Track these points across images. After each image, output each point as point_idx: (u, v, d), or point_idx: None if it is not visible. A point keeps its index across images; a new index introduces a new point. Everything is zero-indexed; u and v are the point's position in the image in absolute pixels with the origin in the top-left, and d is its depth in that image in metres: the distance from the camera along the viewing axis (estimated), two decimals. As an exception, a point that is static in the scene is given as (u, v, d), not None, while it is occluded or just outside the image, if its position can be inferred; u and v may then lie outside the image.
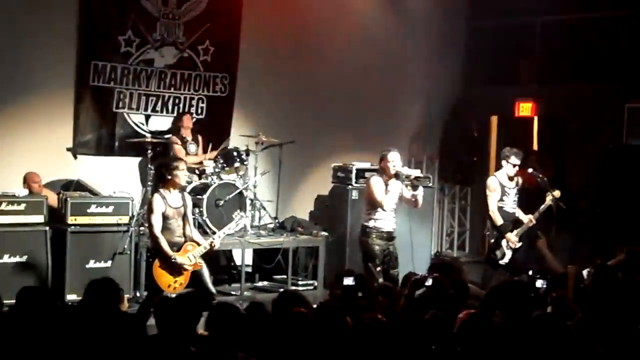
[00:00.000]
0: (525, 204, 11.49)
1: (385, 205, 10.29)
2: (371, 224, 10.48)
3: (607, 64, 14.44)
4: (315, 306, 6.95)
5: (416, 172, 10.54)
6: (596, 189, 14.41)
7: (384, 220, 10.46)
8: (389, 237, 10.54)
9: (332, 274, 12.11)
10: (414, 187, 10.35)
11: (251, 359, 5.72)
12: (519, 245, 11.18)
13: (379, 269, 10.32)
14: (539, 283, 8.08)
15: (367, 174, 12.58)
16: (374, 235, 10.44)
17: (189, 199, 9.87)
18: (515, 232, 11.16)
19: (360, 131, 14.71)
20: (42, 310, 6.23)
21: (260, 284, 12.95)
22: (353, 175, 12.96)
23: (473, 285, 9.61)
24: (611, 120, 14.10)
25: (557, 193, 11.18)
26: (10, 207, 10.65)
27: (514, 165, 11.24)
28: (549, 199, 11.15)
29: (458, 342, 5.72)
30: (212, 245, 9.81)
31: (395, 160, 10.40)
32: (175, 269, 9.54)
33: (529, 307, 7.07)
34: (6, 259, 10.51)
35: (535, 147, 14.98)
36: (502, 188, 11.22)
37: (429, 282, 7.88)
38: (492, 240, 11.37)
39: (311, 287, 12.64)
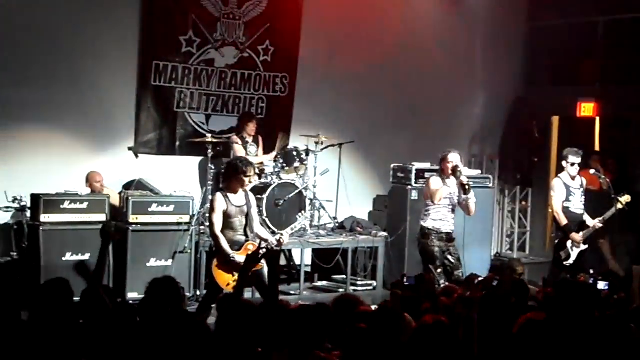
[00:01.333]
0: (592, 206, 11.33)
1: (436, 196, 10.27)
2: (430, 224, 10.46)
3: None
4: (375, 307, 6.94)
5: (476, 172, 10.53)
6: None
7: (443, 221, 10.44)
8: (448, 238, 10.50)
9: (392, 275, 12.19)
10: (465, 192, 10.34)
11: (333, 356, 5.71)
12: (584, 247, 11.04)
13: (439, 270, 10.28)
14: (602, 285, 7.99)
15: (426, 175, 12.52)
16: (433, 237, 10.41)
17: (252, 198, 9.85)
18: (581, 233, 11.03)
19: (420, 131, 14.67)
20: (107, 308, 6.29)
21: (319, 283, 12.95)
22: (413, 176, 12.89)
23: (532, 286, 9.52)
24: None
25: (627, 198, 11.01)
26: (72, 206, 10.79)
27: (573, 164, 11.11)
28: (618, 205, 10.97)
29: (518, 344, 5.66)
30: (280, 241, 9.74)
31: (455, 161, 10.42)
32: (234, 268, 9.50)
33: (592, 309, 6.98)
34: (69, 256, 10.63)
35: (597, 148, 14.81)
36: (567, 189, 11.08)
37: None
38: (557, 241, 11.25)
39: (370, 288, 12.62)
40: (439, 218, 10.44)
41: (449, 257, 10.44)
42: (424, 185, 12.49)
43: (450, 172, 10.39)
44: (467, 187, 10.35)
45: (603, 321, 6.29)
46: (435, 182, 10.46)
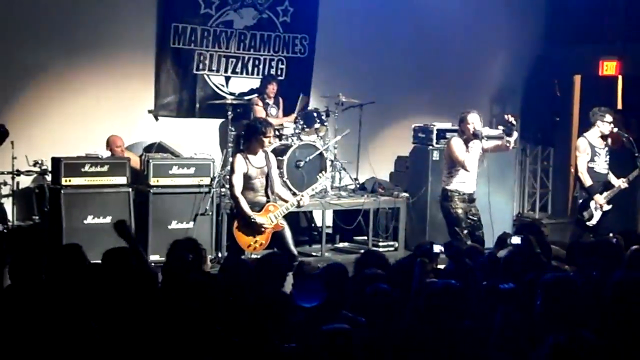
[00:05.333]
0: (615, 165, 11.23)
1: (467, 164, 10.15)
2: (452, 186, 10.34)
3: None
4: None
5: (497, 131, 10.41)
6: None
7: (466, 182, 10.33)
8: (470, 199, 10.42)
9: (413, 235, 12.20)
10: (509, 134, 10.18)
11: (359, 319, 5.72)
12: (607, 207, 10.95)
13: (465, 232, 10.23)
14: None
15: (448, 135, 12.45)
16: (457, 199, 10.32)
17: (273, 158, 9.82)
18: (605, 194, 10.94)
19: (441, 91, 14.58)
20: (127, 270, 6.30)
21: (340, 245, 12.95)
22: (434, 136, 12.82)
23: (555, 246, 9.48)
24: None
25: None
26: (93, 169, 10.79)
27: (610, 122, 10.99)
28: None
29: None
30: (300, 202, 9.76)
31: (475, 121, 10.26)
32: (255, 229, 9.51)
33: (614, 267, 6.96)
34: (90, 219, 10.66)
35: (619, 106, 14.68)
36: (592, 149, 10.97)
37: (517, 241, 7.83)
38: (580, 201, 11.16)
39: (392, 249, 12.59)
40: (463, 180, 10.33)
41: (472, 217, 10.37)
42: (444, 146, 12.52)
43: (471, 133, 10.25)
44: (511, 125, 10.16)
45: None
46: (458, 147, 10.22)
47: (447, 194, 10.38)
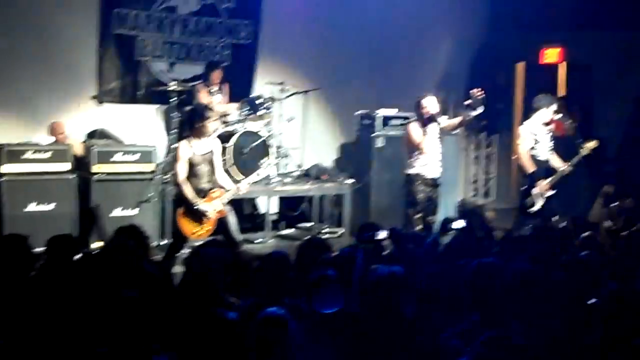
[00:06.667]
0: (558, 152, 11.31)
1: (424, 147, 10.22)
2: (415, 170, 10.41)
3: (635, 10, 14.22)
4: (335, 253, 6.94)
5: (455, 120, 10.51)
6: (623, 137, 14.30)
7: (429, 166, 10.40)
8: (434, 183, 10.50)
9: (358, 222, 12.21)
10: (474, 108, 10.17)
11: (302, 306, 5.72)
12: (551, 192, 11.03)
13: (418, 215, 10.28)
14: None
15: (392, 122, 12.55)
16: (419, 182, 10.38)
17: (217, 145, 9.80)
18: (548, 180, 11.01)
19: (386, 78, 14.60)
20: (70, 258, 6.25)
21: (285, 231, 12.93)
22: (378, 123, 12.85)
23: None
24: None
25: (593, 144, 10.99)
26: (35, 156, 10.65)
27: (554, 112, 11.06)
28: (583, 151, 10.96)
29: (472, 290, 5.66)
30: (238, 190, 9.77)
31: (430, 104, 10.33)
32: (199, 217, 9.50)
33: (557, 251, 7.04)
34: (33, 207, 10.53)
35: (562, 94, 14.82)
36: (534, 135, 11.03)
37: (459, 225, 7.89)
38: (523, 188, 11.23)
39: (337, 235, 12.61)
40: (426, 163, 10.40)
41: (430, 202, 10.45)
42: (391, 134, 12.57)
43: (427, 117, 10.30)
44: (477, 99, 10.10)
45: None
46: (415, 130, 10.33)
47: (410, 177, 10.45)
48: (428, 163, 10.41)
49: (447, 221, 8.37)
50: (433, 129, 10.34)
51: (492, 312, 5.41)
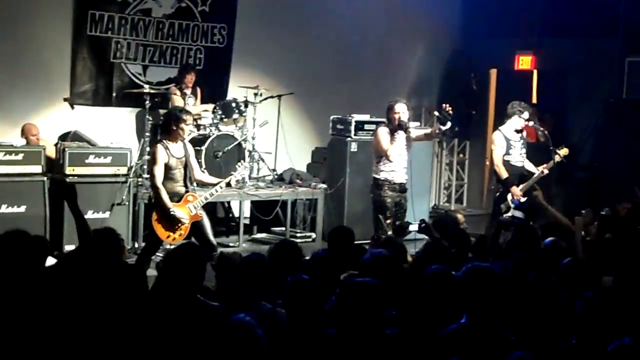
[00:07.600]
0: (531, 159, 11.37)
1: (390, 154, 10.24)
2: (382, 175, 10.41)
3: (607, 18, 14.35)
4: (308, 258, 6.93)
5: (424, 130, 10.58)
6: (595, 143, 14.40)
7: (396, 171, 10.40)
8: (401, 189, 10.50)
9: (330, 227, 12.20)
10: (443, 123, 10.21)
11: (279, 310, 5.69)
12: (524, 199, 11.05)
13: (388, 221, 10.28)
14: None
15: (366, 126, 12.58)
16: (386, 187, 10.38)
17: (190, 147, 9.77)
18: (521, 186, 11.04)
19: (360, 83, 14.64)
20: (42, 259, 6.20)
21: (258, 235, 12.93)
22: (352, 128, 12.86)
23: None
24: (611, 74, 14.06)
25: (565, 151, 11.07)
26: (7, 157, 10.58)
27: (526, 120, 11.10)
28: (557, 157, 11.02)
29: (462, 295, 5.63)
30: (231, 182, 9.75)
31: (401, 111, 10.34)
32: (174, 221, 9.48)
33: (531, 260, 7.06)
34: (4, 209, 10.46)
35: (534, 100, 14.90)
36: (507, 142, 11.05)
37: (413, 228, 7.97)
38: (497, 194, 11.28)
39: (309, 240, 12.61)
40: (392, 169, 10.41)
41: (398, 207, 10.46)
42: (363, 138, 12.59)
43: (396, 124, 10.32)
44: (447, 114, 10.14)
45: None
46: (383, 136, 10.34)
47: (377, 182, 10.46)
48: (395, 169, 10.42)
49: (404, 225, 8.45)
50: (401, 136, 10.36)
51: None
